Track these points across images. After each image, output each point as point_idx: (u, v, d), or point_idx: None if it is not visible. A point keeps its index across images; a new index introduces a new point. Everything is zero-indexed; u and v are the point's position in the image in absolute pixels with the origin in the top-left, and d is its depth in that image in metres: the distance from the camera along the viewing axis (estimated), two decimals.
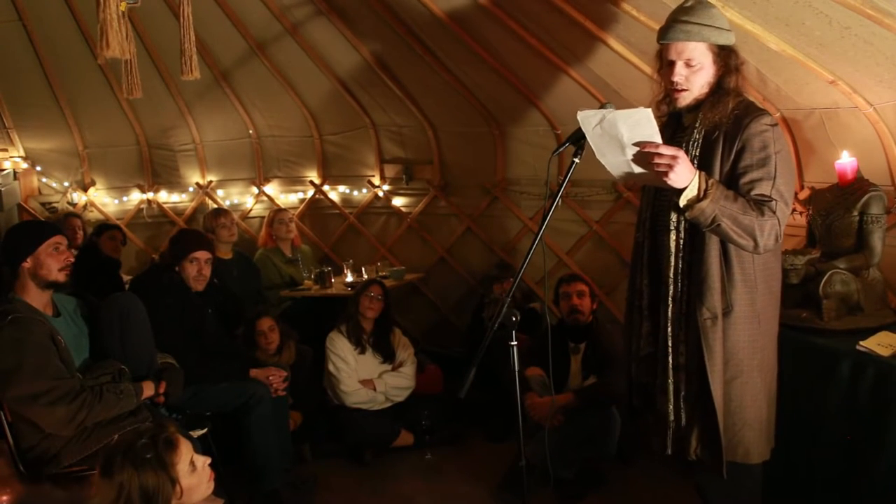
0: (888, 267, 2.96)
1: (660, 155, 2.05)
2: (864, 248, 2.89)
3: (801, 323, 2.83)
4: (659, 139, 2.07)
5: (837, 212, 2.95)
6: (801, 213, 3.32)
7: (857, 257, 2.88)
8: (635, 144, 2.08)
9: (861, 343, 2.59)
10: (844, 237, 2.93)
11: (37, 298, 2.80)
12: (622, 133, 2.07)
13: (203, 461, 1.95)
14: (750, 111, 2.25)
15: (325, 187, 6.02)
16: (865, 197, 2.87)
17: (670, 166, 2.06)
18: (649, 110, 2.04)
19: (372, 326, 4.28)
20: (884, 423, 2.45)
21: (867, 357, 2.54)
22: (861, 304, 2.83)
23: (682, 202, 2.12)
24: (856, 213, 2.89)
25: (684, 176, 2.08)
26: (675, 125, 2.41)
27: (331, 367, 4.14)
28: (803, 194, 3.42)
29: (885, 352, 2.52)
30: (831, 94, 3.00)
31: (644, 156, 2.09)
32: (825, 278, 2.80)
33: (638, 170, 2.16)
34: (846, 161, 2.99)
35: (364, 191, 5.89)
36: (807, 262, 2.90)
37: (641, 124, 2.05)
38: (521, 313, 2.20)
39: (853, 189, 2.94)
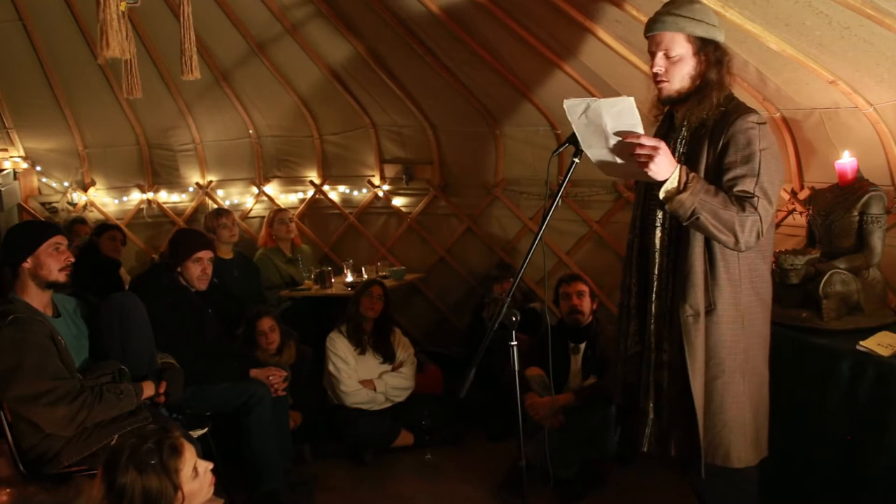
0: (888, 267, 2.96)
1: (641, 146, 2.06)
2: (864, 248, 2.89)
3: (801, 323, 2.83)
4: (641, 130, 2.07)
5: (837, 212, 2.95)
6: (801, 213, 3.33)
7: (857, 257, 2.88)
8: (617, 134, 2.08)
9: (861, 343, 2.59)
10: (844, 237, 2.93)
11: (37, 298, 2.80)
12: (606, 122, 2.07)
13: (205, 467, 1.96)
14: (738, 109, 2.26)
15: (325, 187, 6.02)
16: (865, 197, 2.87)
17: (651, 157, 2.06)
18: (632, 99, 2.04)
19: (372, 326, 4.28)
20: (884, 423, 2.45)
21: (867, 357, 2.54)
22: (861, 304, 2.83)
23: (662, 194, 2.13)
24: (856, 213, 2.89)
25: (665, 168, 2.09)
26: (668, 124, 2.42)
27: (331, 368, 4.14)
28: (803, 194, 3.42)
29: (885, 352, 2.53)
30: (831, 94, 3.00)
31: (626, 146, 2.09)
32: (825, 278, 2.80)
33: (620, 161, 2.16)
34: (846, 161, 2.99)
35: (364, 191, 5.89)
36: (807, 262, 2.90)
37: (624, 114, 2.05)
38: (521, 313, 2.20)
39: (853, 189, 2.94)
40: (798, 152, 3.44)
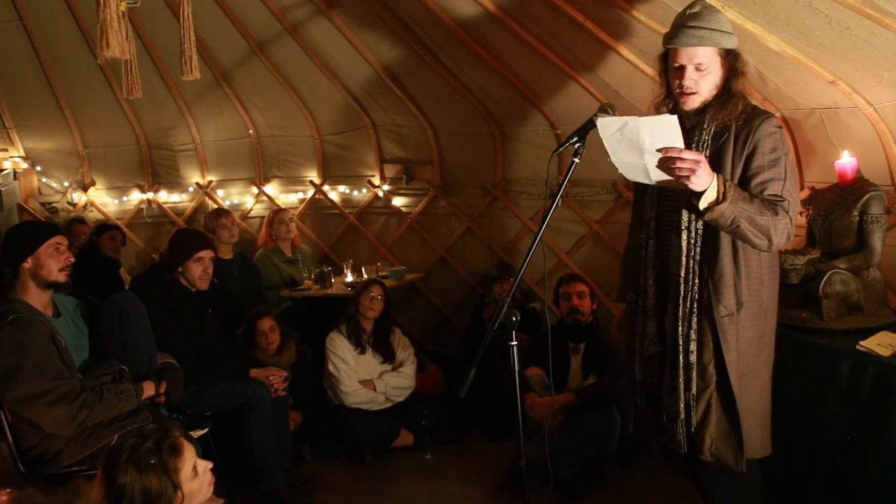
0: (888, 267, 2.96)
1: (682, 160, 2.09)
2: (864, 248, 2.89)
3: (801, 323, 2.83)
4: (681, 144, 2.10)
5: (837, 212, 2.95)
6: (801, 213, 3.33)
7: (857, 257, 2.89)
8: (658, 150, 2.11)
9: (861, 343, 2.59)
10: (844, 237, 2.93)
11: (37, 299, 2.80)
12: (643, 139, 2.11)
13: (205, 466, 1.96)
14: (757, 113, 2.30)
15: (325, 187, 6.02)
16: (865, 197, 2.87)
17: (692, 171, 2.09)
18: (674, 117, 2.08)
19: (372, 326, 4.28)
20: (884, 423, 2.45)
21: (867, 357, 2.54)
22: (861, 304, 2.83)
23: (703, 205, 2.15)
24: (856, 213, 2.89)
25: (705, 179, 2.12)
26: None
27: (331, 368, 4.14)
28: (803, 194, 3.42)
29: (885, 352, 2.53)
30: (831, 94, 3.00)
31: (665, 160, 2.12)
32: (825, 278, 2.80)
33: (654, 173, 2.19)
34: (846, 161, 2.99)
35: (364, 191, 5.89)
36: (807, 262, 2.90)
37: (665, 130, 2.09)
38: (521, 313, 2.20)
39: (853, 189, 2.95)
40: (798, 152, 3.45)
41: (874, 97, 2.89)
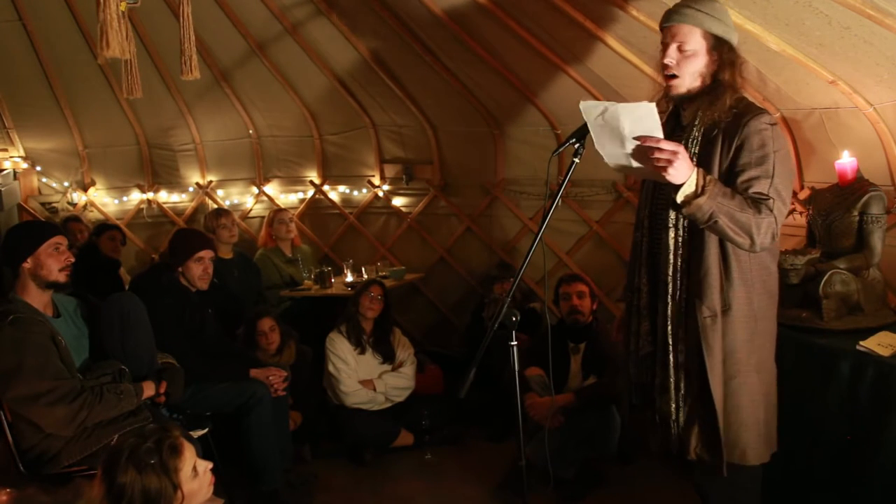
0: (888, 267, 2.96)
1: (660, 150, 2.04)
2: (864, 248, 2.89)
3: (801, 323, 2.83)
4: (660, 134, 2.05)
5: (837, 212, 2.95)
6: (801, 213, 3.33)
7: (857, 257, 2.88)
8: (636, 138, 2.07)
9: (861, 343, 2.59)
10: (844, 237, 2.93)
11: (37, 299, 2.80)
12: (623, 126, 2.06)
13: (205, 466, 1.97)
14: (750, 110, 2.25)
15: (325, 187, 6.02)
16: (865, 197, 2.87)
17: (670, 161, 2.04)
18: (653, 105, 2.03)
19: (372, 326, 4.28)
20: (884, 423, 2.45)
21: (867, 357, 2.54)
22: (861, 304, 2.83)
23: (680, 198, 2.10)
24: (856, 213, 2.89)
25: (683, 172, 2.07)
26: (674, 123, 2.41)
27: (331, 368, 4.14)
28: (803, 194, 3.42)
29: (885, 352, 2.53)
30: (831, 94, 3.00)
31: (644, 150, 2.07)
32: (825, 278, 2.80)
33: (636, 163, 2.15)
34: (846, 161, 2.99)
35: (364, 191, 5.90)
36: (807, 262, 2.90)
37: (644, 118, 2.04)
38: (521, 313, 2.20)
39: (853, 189, 2.94)
40: (798, 152, 3.45)
41: (874, 97, 2.88)
